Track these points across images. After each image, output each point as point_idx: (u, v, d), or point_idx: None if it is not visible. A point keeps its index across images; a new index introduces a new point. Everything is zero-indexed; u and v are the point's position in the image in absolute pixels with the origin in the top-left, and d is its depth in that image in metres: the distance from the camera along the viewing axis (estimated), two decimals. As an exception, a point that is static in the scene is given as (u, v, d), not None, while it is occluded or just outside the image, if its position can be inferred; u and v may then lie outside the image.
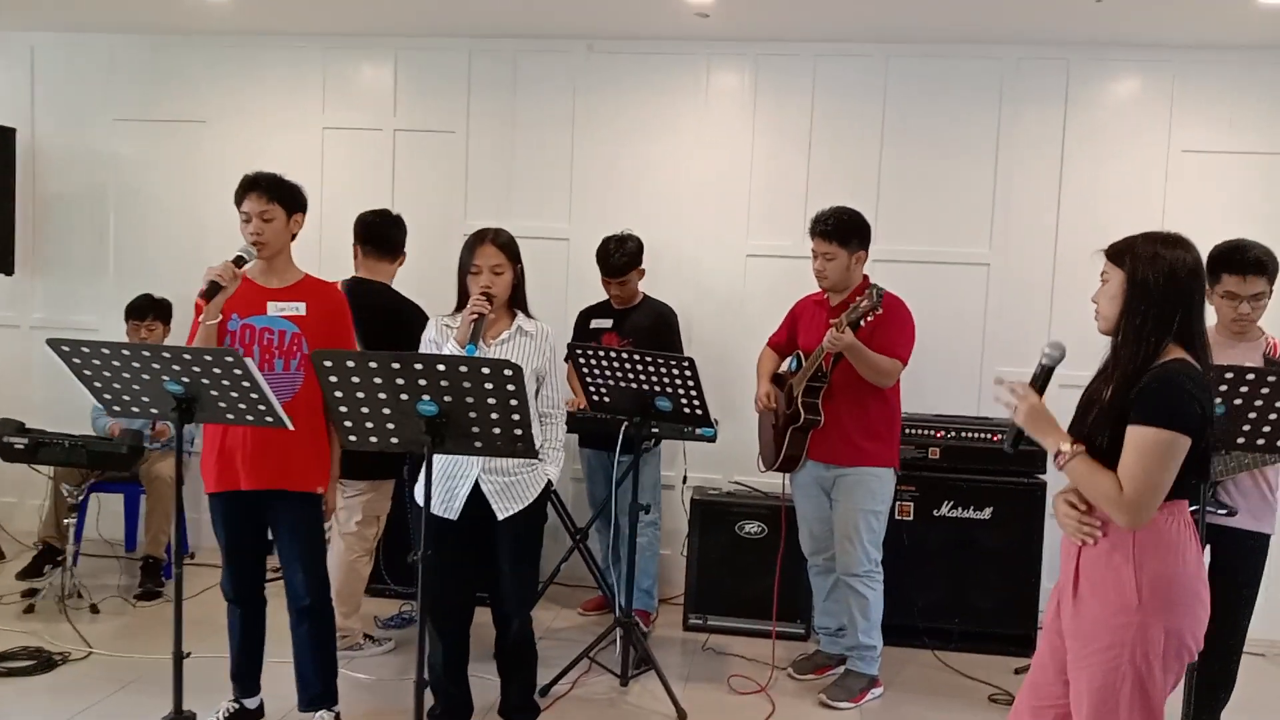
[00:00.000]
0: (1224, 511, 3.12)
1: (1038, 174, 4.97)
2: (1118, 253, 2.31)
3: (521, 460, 2.99)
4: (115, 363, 2.69)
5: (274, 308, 3.17)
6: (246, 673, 3.38)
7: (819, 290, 4.07)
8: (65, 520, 4.47)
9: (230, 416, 2.79)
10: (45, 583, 4.52)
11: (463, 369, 2.54)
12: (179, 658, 2.80)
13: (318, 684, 3.30)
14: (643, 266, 4.62)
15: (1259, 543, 3.20)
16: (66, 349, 2.70)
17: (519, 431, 2.63)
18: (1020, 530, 4.43)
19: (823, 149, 5.10)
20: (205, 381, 2.69)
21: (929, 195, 5.01)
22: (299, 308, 3.17)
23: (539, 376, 3.13)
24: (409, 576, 4.65)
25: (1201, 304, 2.31)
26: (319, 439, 3.23)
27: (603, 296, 4.71)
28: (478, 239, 3.13)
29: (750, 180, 5.16)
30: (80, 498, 4.55)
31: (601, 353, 3.81)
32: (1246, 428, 2.85)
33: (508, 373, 2.52)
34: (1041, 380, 2.44)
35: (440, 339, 3.10)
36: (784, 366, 4.14)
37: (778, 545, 4.46)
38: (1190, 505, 2.35)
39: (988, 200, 5.00)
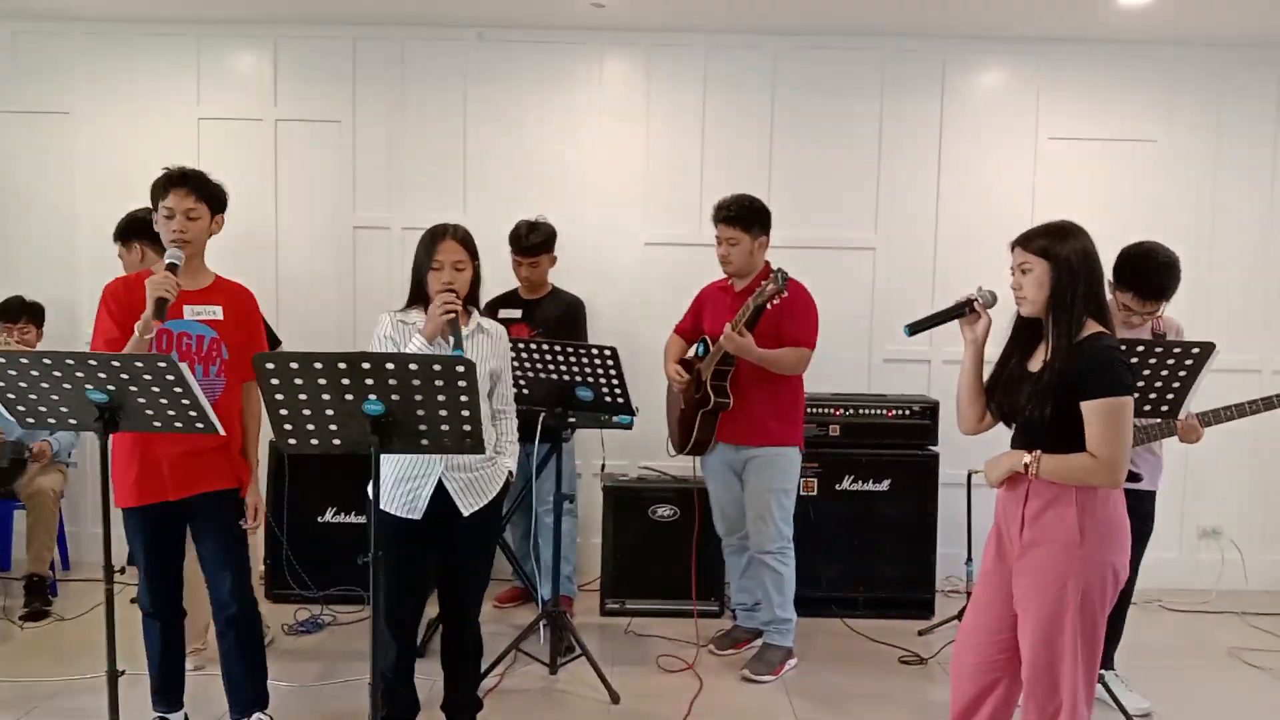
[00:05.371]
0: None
1: (918, 161, 5.21)
2: (1039, 247, 2.60)
3: (482, 456, 2.97)
4: (34, 372, 2.54)
5: (190, 311, 3.04)
6: (168, 686, 3.23)
7: (723, 277, 4.17)
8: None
9: (157, 424, 2.67)
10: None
11: (412, 367, 2.51)
12: (113, 676, 2.66)
13: (250, 690, 3.21)
14: (554, 254, 4.63)
15: (1151, 497, 3.58)
16: (-23, 359, 2.53)
17: (468, 428, 2.62)
18: (917, 500, 4.68)
19: (716, 138, 5.22)
20: (134, 389, 2.56)
21: (818, 182, 5.19)
22: (215, 311, 3.07)
23: (494, 375, 3.11)
24: (323, 580, 4.56)
25: (1103, 277, 2.67)
26: (236, 441, 3.15)
27: (507, 287, 4.69)
28: (437, 235, 3.07)
29: (646, 169, 5.23)
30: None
31: (521, 344, 3.81)
32: (1152, 395, 3.14)
33: (460, 369, 2.50)
34: (951, 314, 2.81)
35: (399, 336, 3.02)
36: (691, 352, 4.21)
37: (691, 527, 4.56)
38: None
39: (872, 186, 5.22)
